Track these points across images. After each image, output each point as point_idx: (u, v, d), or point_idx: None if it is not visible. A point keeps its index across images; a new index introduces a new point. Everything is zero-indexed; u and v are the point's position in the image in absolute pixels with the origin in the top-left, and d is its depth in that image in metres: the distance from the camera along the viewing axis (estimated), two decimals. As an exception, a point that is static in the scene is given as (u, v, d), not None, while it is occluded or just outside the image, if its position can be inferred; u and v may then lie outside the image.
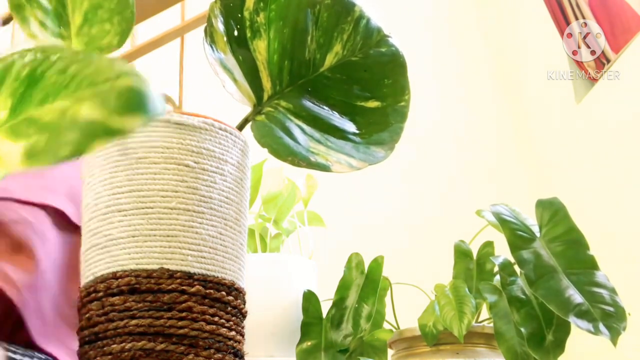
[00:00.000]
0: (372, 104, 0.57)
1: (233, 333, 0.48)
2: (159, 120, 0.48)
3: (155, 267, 0.45)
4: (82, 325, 0.47)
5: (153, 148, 0.47)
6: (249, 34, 0.54)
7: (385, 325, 1.18)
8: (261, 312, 1.21)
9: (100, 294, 0.46)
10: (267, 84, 0.55)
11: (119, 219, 0.47)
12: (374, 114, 0.56)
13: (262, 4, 0.54)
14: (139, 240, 0.46)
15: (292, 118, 0.54)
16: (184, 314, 0.45)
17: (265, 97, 0.55)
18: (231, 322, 0.48)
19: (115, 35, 0.45)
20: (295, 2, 0.55)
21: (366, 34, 0.57)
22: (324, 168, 0.52)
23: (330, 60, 0.57)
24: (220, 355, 0.46)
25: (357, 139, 0.55)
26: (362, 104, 0.56)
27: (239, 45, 0.54)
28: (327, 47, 0.56)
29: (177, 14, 1.87)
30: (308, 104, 0.55)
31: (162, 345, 0.44)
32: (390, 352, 1.15)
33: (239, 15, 0.54)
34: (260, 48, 0.54)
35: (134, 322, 0.45)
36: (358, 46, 0.57)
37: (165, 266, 0.46)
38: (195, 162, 0.48)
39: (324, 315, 1.21)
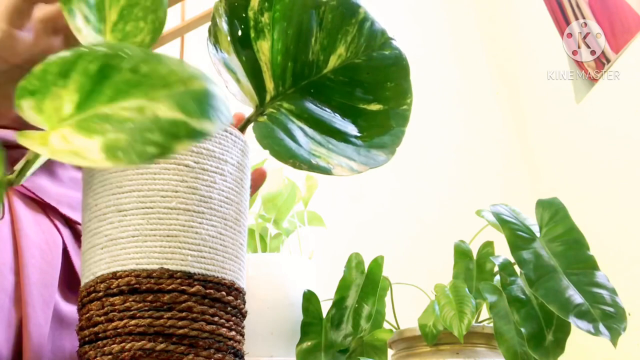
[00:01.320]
0: (374, 106, 0.56)
1: (233, 333, 0.48)
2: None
3: (155, 267, 0.45)
4: (82, 325, 0.47)
5: None
6: (252, 34, 0.54)
7: (385, 325, 1.18)
8: (261, 312, 1.21)
9: (100, 293, 0.46)
10: (269, 85, 0.55)
11: (119, 219, 0.47)
12: (375, 117, 0.56)
13: (267, 4, 0.54)
14: (139, 240, 0.46)
15: (294, 120, 0.54)
16: (184, 314, 0.45)
17: (268, 98, 0.55)
18: (231, 322, 0.48)
19: (148, 34, 0.46)
20: (300, 2, 0.55)
21: (370, 36, 0.57)
22: (325, 171, 0.52)
23: (333, 62, 0.56)
24: (220, 355, 0.46)
25: (359, 142, 0.55)
26: (365, 106, 0.56)
27: (243, 45, 0.54)
28: (331, 48, 0.56)
29: (177, 14, 1.87)
30: (310, 105, 0.55)
31: (162, 345, 0.44)
32: (390, 352, 1.15)
33: (244, 15, 0.54)
34: (264, 48, 0.54)
35: (133, 322, 0.45)
36: (362, 48, 0.57)
37: (165, 266, 0.46)
38: (195, 162, 0.48)
39: (324, 315, 1.21)
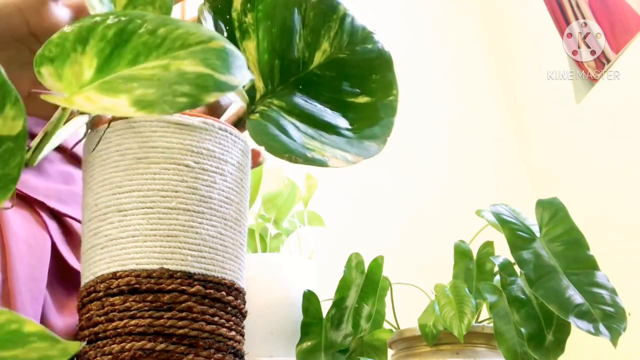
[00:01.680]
0: (362, 99, 0.57)
1: (233, 333, 0.48)
2: (158, 121, 0.48)
3: (156, 267, 0.45)
4: (82, 325, 0.47)
5: (153, 148, 0.47)
6: (238, 35, 0.54)
7: (385, 325, 1.18)
8: (261, 312, 1.21)
9: (100, 293, 0.46)
10: (259, 83, 0.55)
11: (119, 218, 0.47)
12: (364, 109, 0.57)
13: (249, 5, 0.54)
14: (138, 240, 0.46)
15: (286, 116, 0.54)
16: (184, 314, 0.45)
17: (258, 96, 0.55)
18: (231, 322, 0.48)
19: None
20: (282, 1, 0.56)
21: (352, 31, 0.58)
22: (321, 163, 0.52)
23: (319, 58, 0.57)
24: (220, 355, 0.46)
25: (350, 134, 0.55)
26: (352, 99, 0.57)
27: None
28: (315, 45, 0.57)
29: (177, 14, 1.87)
30: (300, 101, 0.56)
31: (162, 345, 0.44)
32: (390, 352, 1.15)
33: (227, 17, 0.54)
34: (250, 48, 0.55)
35: (133, 322, 0.44)
36: (345, 43, 0.58)
37: (166, 266, 0.46)
38: (195, 162, 0.48)
39: (324, 315, 1.21)
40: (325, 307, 1.22)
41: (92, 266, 0.47)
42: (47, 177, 0.68)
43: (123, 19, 0.37)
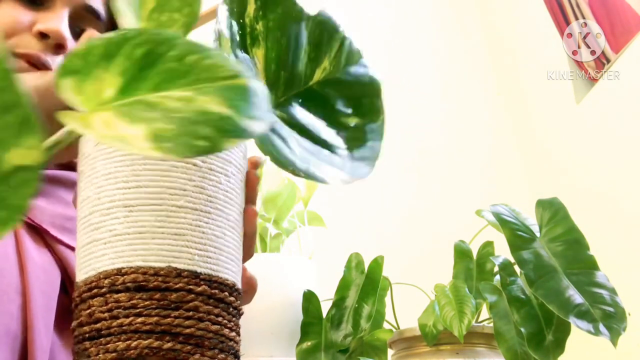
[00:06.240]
0: (353, 120, 0.59)
1: (234, 334, 0.48)
2: None
3: (163, 265, 0.45)
4: (82, 322, 0.46)
5: None
6: (248, 41, 0.55)
7: (385, 325, 1.18)
8: (261, 312, 1.21)
9: (104, 289, 0.45)
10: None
11: (125, 214, 0.46)
12: (355, 130, 0.58)
13: (261, 13, 0.55)
14: (146, 237, 0.45)
15: (287, 128, 0.55)
16: (190, 314, 0.45)
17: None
18: (232, 323, 0.48)
19: (181, 27, 0.44)
20: (292, 14, 0.56)
21: (350, 53, 0.60)
22: (320, 180, 0.53)
23: (319, 74, 0.58)
24: (223, 356, 0.46)
25: (344, 152, 0.56)
26: (345, 119, 0.58)
27: (241, 50, 0.54)
28: (317, 61, 0.58)
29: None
30: (300, 115, 0.56)
31: (169, 344, 0.43)
32: (390, 352, 1.16)
33: (241, 21, 0.54)
34: (259, 56, 0.55)
35: (140, 319, 0.44)
36: (342, 64, 0.59)
37: (173, 264, 0.45)
38: (202, 162, 0.47)
39: (324, 315, 1.21)
40: (325, 307, 1.22)
41: (93, 261, 0.46)
42: (55, 201, 0.67)
43: (153, 38, 0.35)
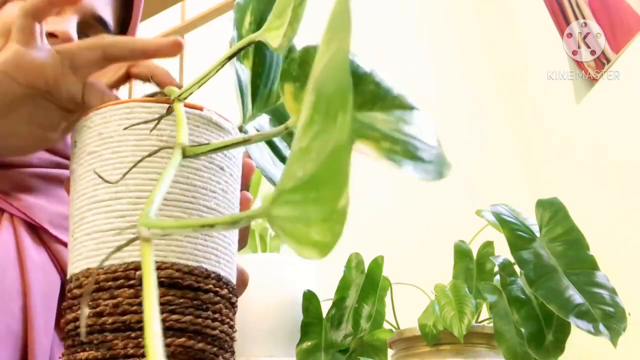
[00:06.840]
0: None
1: (235, 333, 0.48)
2: (201, 117, 0.47)
3: (195, 264, 0.44)
4: (103, 311, 0.43)
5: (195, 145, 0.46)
6: (242, 52, 0.55)
7: (385, 325, 1.18)
8: (261, 312, 1.22)
9: (134, 281, 0.42)
10: (249, 105, 0.56)
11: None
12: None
13: (253, 27, 0.55)
14: (180, 234, 0.44)
15: (264, 143, 0.55)
16: (216, 315, 0.44)
17: (247, 116, 0.55)
18: (233, 322, 0.48)
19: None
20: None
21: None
22: None
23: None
24: (228, 355, 0.46)
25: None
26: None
27: (237, 60, 0.54)
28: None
29: (177, 14, 1.87)
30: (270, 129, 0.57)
31: (200, 345, 0.43)
32: (390, 352, 1.16)
33: (239, 32, 0.54)
34: (247, 68, 0.55)
35: (175, 317, 0.42)
36: None
37: (204, 265, 0.44)
38: (227, 167, 0.47)
39: (324, 315, 1.21)
40: (325, 307, 1.22)
41: (122, 251, 0.43)
42: (57, 200, 0.67)
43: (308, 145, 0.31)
